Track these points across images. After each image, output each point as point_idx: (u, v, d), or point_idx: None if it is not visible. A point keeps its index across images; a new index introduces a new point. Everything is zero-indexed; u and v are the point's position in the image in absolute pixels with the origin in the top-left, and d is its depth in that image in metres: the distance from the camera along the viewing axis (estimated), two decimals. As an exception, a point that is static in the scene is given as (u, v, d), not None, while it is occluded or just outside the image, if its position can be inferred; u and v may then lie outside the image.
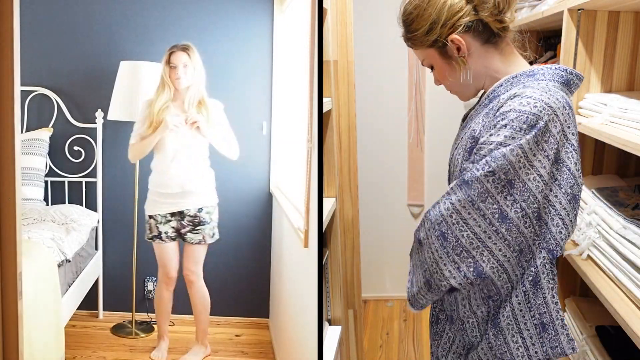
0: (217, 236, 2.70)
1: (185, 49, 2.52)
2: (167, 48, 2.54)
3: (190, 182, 2.57)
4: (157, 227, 2.63)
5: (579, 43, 1.69)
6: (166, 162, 2.56)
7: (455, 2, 1.18)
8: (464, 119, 1.38)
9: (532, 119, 1.06)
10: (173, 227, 2.63)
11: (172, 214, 2.62)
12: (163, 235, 2.63)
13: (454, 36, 1.20)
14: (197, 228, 2.62)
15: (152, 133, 2.51)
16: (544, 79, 1.16)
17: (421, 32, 1.23)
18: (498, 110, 1.12)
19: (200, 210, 2.61)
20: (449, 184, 1.34)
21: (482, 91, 1.35)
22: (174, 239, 2.65)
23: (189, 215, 2.61)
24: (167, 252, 2.65)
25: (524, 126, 1.06)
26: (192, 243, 2.63)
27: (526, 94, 1.09)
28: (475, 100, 1.41)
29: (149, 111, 2.54)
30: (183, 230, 2.63)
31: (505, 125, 1.08)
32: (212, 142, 2.62)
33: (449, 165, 1.34)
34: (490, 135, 1.10)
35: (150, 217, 2.64)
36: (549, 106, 1.08)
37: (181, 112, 2.55)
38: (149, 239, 2.66)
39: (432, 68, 1.30)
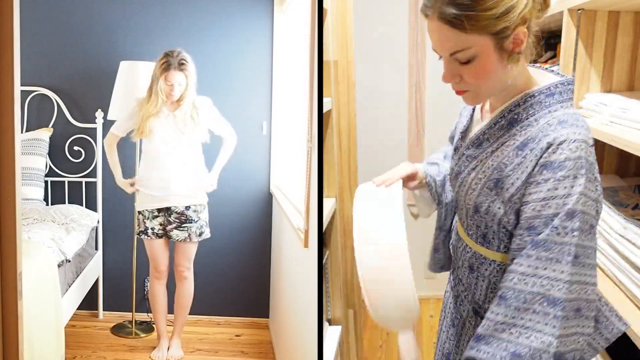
0: (206, 235, 2.72)
1: (182, 68, 2.50)
2: (162, 58, 2.51)
3: (174, 187, 2.61)
4: (144, 223, 2.66)
5: (579, 43, 1.69)
6: (151, 164, 2.61)
7: None
8: (464, 132, 1.30)
9: (586, 163, 1.04)
10: (160, 224, 2.66)
11: (159, 210, 2.65)
12: (149, 231, 2.66)
13: (523, 29, 1.05)
14: (183, 225, 2.64)
15: (140, 135, 2.57)
16: (562, 99, 1.13)
17: (492, 13, 1.01)
18: (544, 155, 1.06)
19: (187, 208, 2.64)
20: (460, 202, 1.28)
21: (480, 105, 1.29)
22: (160, 236, 2.68)
23: (175, 212, 2.64)
24: (155, 247, 2.70)
25: (582, 172, 1.03)
26: (177, 240, 2.65)
27: (571, 139, 1.05)
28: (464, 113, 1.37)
29: (138, 109, 2.59)
30: (169, 227, 2.66)
31: (569, 177, 1.03)
32: (213, 132, 2.70)
33: (457, 185, 1.27)
34: (555, 189, 1.04)
35: (139, 212, 2.69)
36: (589, 145, 1.07)
37: (170, 114, 2.58)
38: (137, 234, 2.72)
39: (468, 61, 1.07)
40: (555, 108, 1.12)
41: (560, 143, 1.04)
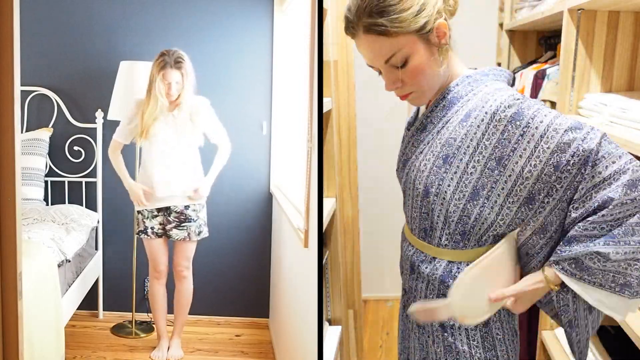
0: (205, 234, 2.73)
1: (179, 66, 2.50)
2: (158, 57, 2.51)
3: (172, 188, 2.61)
4: (144, 222, 2.66)
5: (579, 43, 1.69)
6: (151, 165, 2.61)
7: None
8: (409, 126, 1.33)
9: (535, 102, 1.13)
10: (160, 223, 2.66)
11: (159, 210, 2.66)
12: (149, 231, 2.66)
13: (442, 22, 1.13)
14: (182, 224, 2.65)
15: (143, 139, 2.56)
16: (496, 79, 1.20)
17: (410, 12, 1.09)
18: (496, 118, 1.10)
19: (187, 207, 2.65)
20: (407, 192, 1.29)
21: None
22: (159, 236, 2.69)
23: (175, 212, 2.64)
24: (155, 247, 2.70)
25: (538, 105, 1.12)
26: (177, 239, 2.66)
27: (514, 97, 1.11)
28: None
29: (136, 111, 2.58)
30: (168, 227, 2.66)
31: (539, 110, 1.09)
32: (208, 137, 2.69)
33: (405, 174, 1.28)
34: (535, 128, 1.07)
35: (139, 212, 2.69)
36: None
37: (169, 114, 2.57)
38: (137, 233, 2.72)
39: (402, 65, 1.14)
40: (491, 83, 1.18)
41: (505, 100, 1.11)
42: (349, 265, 2.62)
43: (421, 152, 1.23)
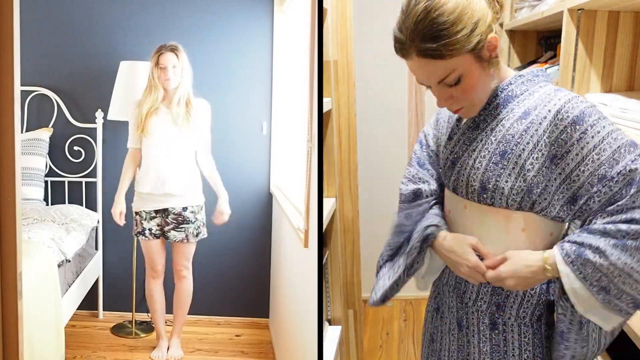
0: (203, 235, 2.73)
1: (173, 49, 2.53)
2: (154, 49, 2.55)
3: (170, 185, 2.60)
4: (142, 224, 2.66)
5: (579, 43, 1.69)
6: (148, 165, 2.60)
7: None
8: (459, 119, 1.32)
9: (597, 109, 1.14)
10: (157, 224, 2.66)
11: (157, 211, 2.65)
12: (147, 232, 2.66)
13: (493, 35, 1.13)
14: (180, 226, 2.64)
15: (142, 134, 2.57)
16: (546, 80, 1.23)
17: (464, 33, 1.08)
18: (559, 117, 1.12)
19: (185, 209, 2.64)
20: (459, 189, 1.27)
21: None
22: (157, 237, 2.68)
23: (173, 213, 2.64)
24: (152, 248, 2.70)
25: (602, 115, 1.13)
26: (175, 241, 2.66)
27: (574, 95, 1.15)
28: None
29: (138, 112, 2.58)
30: (166, 228, 2.66)
31: (599, 118, 1.11)
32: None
33: (455, 172, 1.28)
34: (598, 133, 1.09)
35: (136, 213, 2.69)
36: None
37: (169, 112, 2.57)
38: (135, 234, 2.72)
39: (456, 82, 1.14)
40: (545, 84, 1.22)
41: (569, 100, 1.13)
42: (349, 265, 2.62)
43: (474, 150, 1.24)
